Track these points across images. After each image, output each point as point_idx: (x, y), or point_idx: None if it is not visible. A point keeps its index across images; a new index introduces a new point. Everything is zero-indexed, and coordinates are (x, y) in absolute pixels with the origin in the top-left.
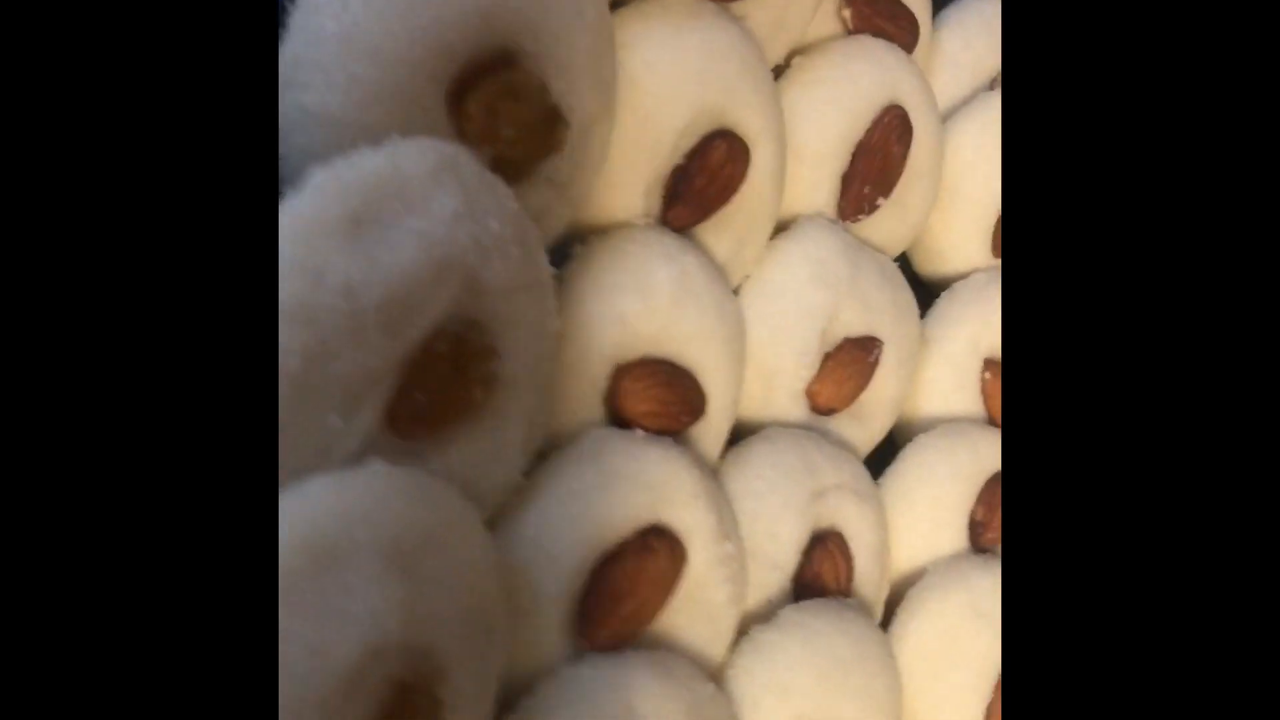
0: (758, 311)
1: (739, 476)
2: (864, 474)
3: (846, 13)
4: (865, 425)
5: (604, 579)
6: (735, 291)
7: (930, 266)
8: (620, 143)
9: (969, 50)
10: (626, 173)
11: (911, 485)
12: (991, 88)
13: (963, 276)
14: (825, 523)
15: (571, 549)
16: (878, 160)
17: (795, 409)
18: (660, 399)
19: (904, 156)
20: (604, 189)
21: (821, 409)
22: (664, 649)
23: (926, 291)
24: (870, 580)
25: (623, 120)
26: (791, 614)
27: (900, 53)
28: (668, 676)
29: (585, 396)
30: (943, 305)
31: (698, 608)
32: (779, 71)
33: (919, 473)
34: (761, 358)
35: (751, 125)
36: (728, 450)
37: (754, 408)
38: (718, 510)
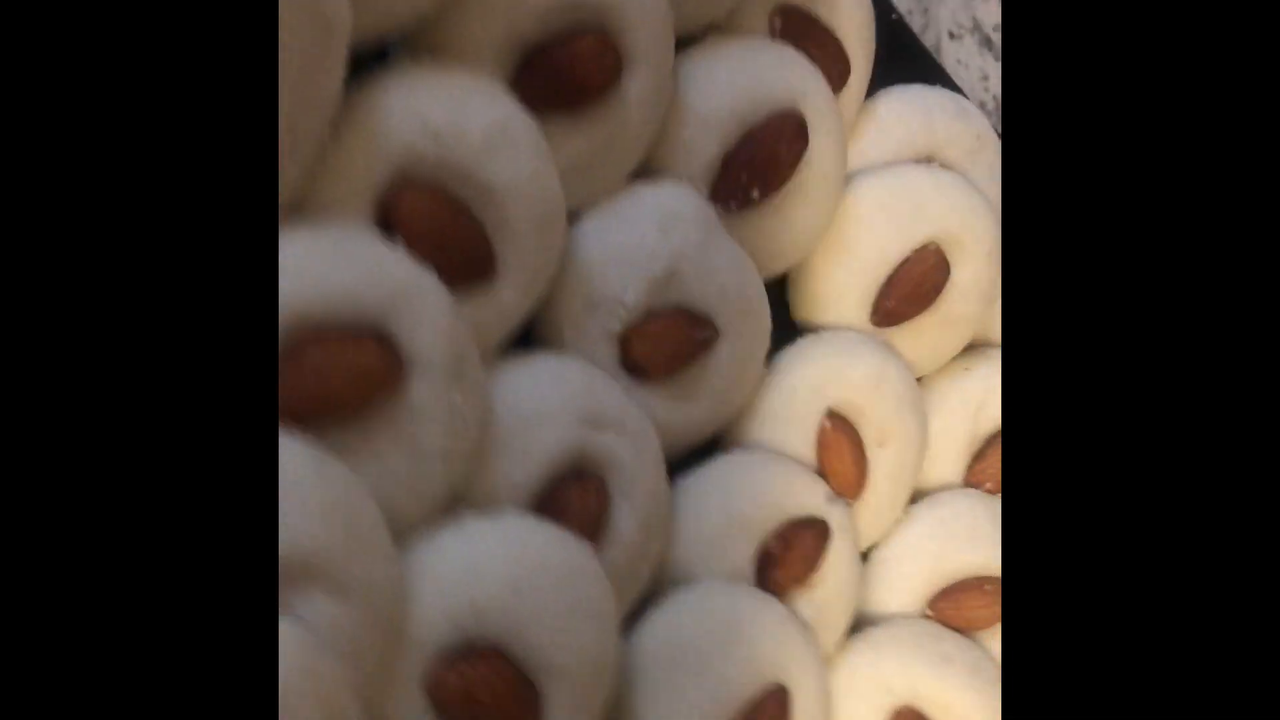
0: (599, 236)
1: (516, 369)
2: (653, 443)
3: (777, 21)
4: (683, 408)
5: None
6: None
7: (805, 312)
8: None
9: (902, 124)
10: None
11: (709, 493)
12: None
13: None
14: (593, 461)
15: None
16: (763, 153)
17: (603, 349)
18: (438, 229)
19: (792, 164)
20: None
21: (631, 365)
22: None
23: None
24: (627, 547)
25: None
26: (512, 516)
27: (817, 74)
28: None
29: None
30: (805, 343)
31: (404, 437)
32: (692, 40)
33: (720, 483)
34: (585, 281)
35: (634, 37)
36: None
37: (564, 331)
38: (457, 358)
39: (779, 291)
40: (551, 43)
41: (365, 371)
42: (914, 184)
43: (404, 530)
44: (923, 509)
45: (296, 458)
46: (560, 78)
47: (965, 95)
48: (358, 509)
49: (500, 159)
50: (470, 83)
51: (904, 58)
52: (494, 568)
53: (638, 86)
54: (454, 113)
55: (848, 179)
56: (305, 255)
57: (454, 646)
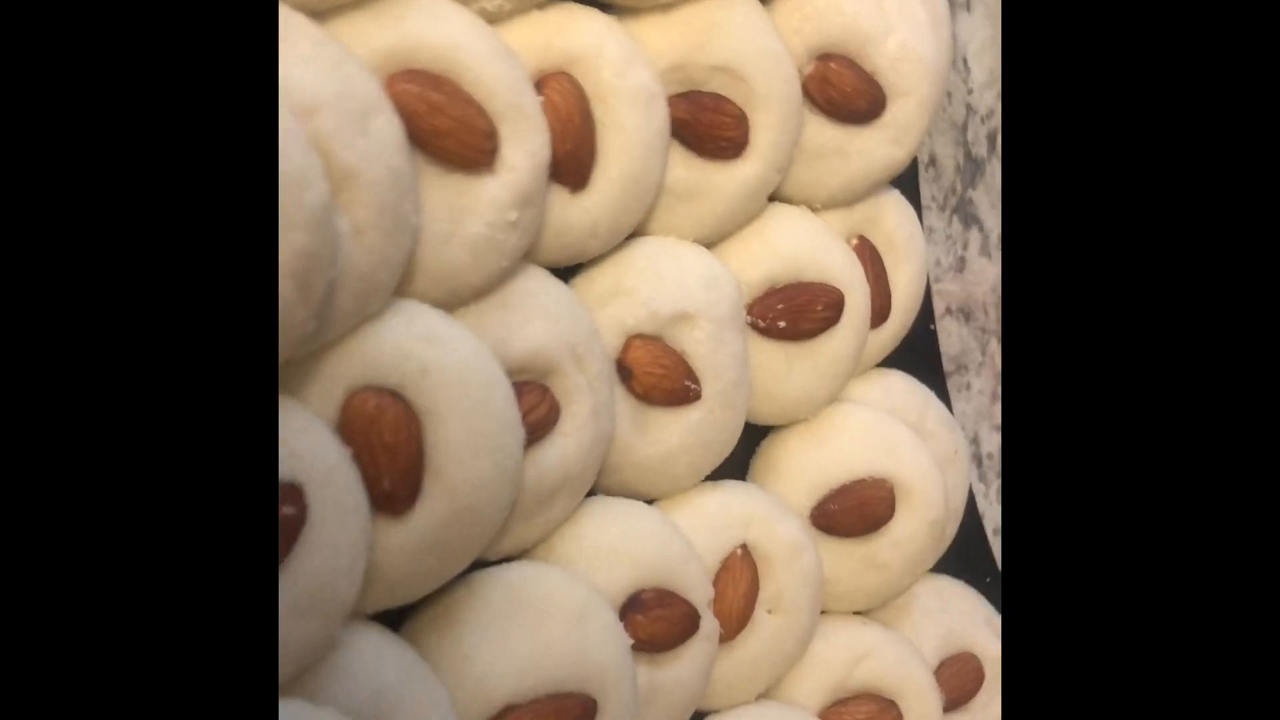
0: (665, 251)
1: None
2: (609, 424)
3: (854, 240)
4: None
5: None
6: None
7: (760, 476)
8: None
9: (903, 397)
10: None
11: (611, 516)
12: None
13: None
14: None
15: None
16: (802, 299)
17: (612, 339)
18: None
19: (819, 323)
20: None
21: (626, 372)
22: None
23: None
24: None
25: None
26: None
27: (867, 292)
28: None
29: None
30: (752, 486)
31: None
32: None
33: (632, 513)
34: (632, 279)
35: None
36: None
37: (595, 311)
38: None
39: (751, 443)
40: (709, 94)
41: (472, 129)
42: (899, 433)
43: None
44: (772, 708)
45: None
46: (703, 118)
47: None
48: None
49: (637, 109)
50: (644, 57)
51: (926, 363)
52: (452, 351)
53: (748, 172)
54: (626, 59)
55: (841, 401)
56: (480, 34)
57: (387, 386)
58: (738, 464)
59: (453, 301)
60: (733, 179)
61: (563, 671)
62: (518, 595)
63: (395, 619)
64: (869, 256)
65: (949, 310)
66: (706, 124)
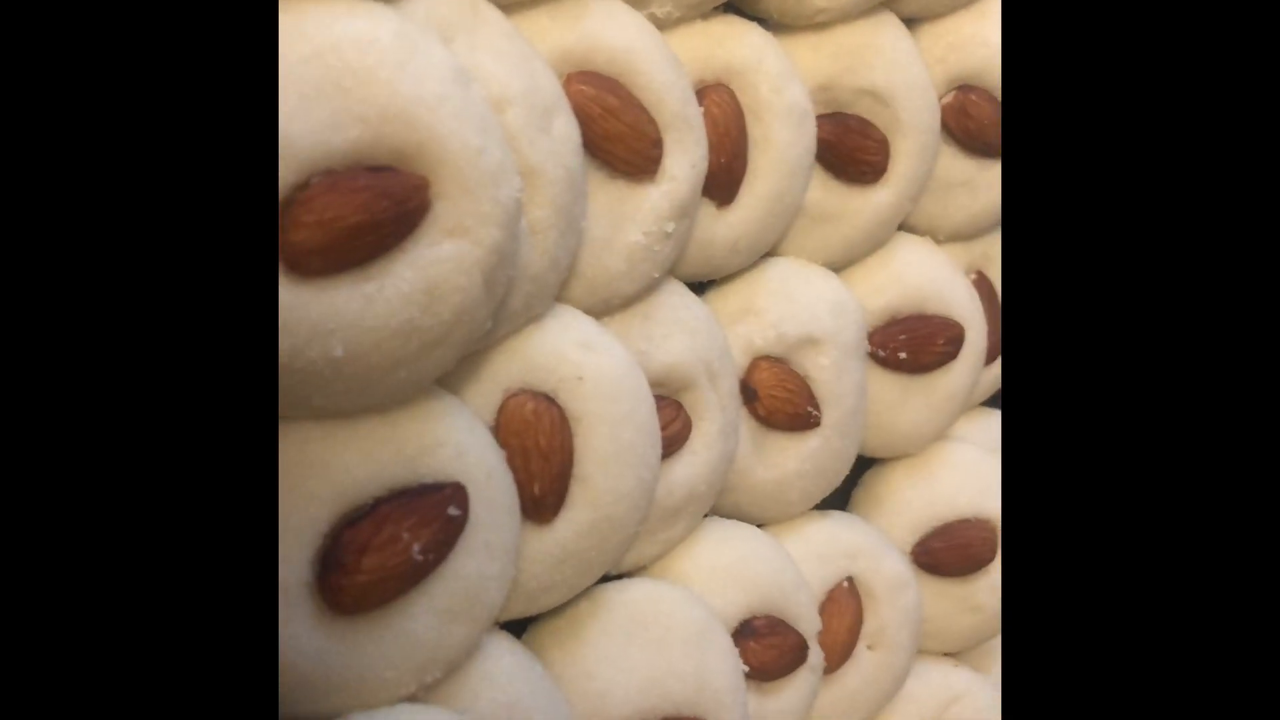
0: (796, 272)
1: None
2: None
3: (972, 275)
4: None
5: None
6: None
7: (864, 509)
8: None
9: None
10: None
11: (731, 539)
12: None
13: None
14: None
15: None
16: (923, 331)
17: (739, 356)
18: None
19: (940, 355)
20: None
21: (751, 393)
22: None
23: None
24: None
25: None
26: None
27: (985, 329)
28: None
29: None
30: (859, 517)
31: None
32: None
33: (754, 535)
34: (765, 298)
35: None
36: None
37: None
38: None
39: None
40: (855, 116)
41: (642, 135)
42: (999, 471)
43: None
44: None
45: None
46: (847, 140)
47: None
48: None
49: (788, 125)
50: (798, 75)
51: None
52: (607, 358)
53: (885, 198)
54: (783, 75)
55: (948, 438)
56: (656, 42)
57: (544, 391)
58: (839, 494)
59: (603, 309)
60: (869, 204)
61: (681, 694)
62: (640, 613)
63: (516, 629)
64: (986, 293)
65: None
66: (850, 147)
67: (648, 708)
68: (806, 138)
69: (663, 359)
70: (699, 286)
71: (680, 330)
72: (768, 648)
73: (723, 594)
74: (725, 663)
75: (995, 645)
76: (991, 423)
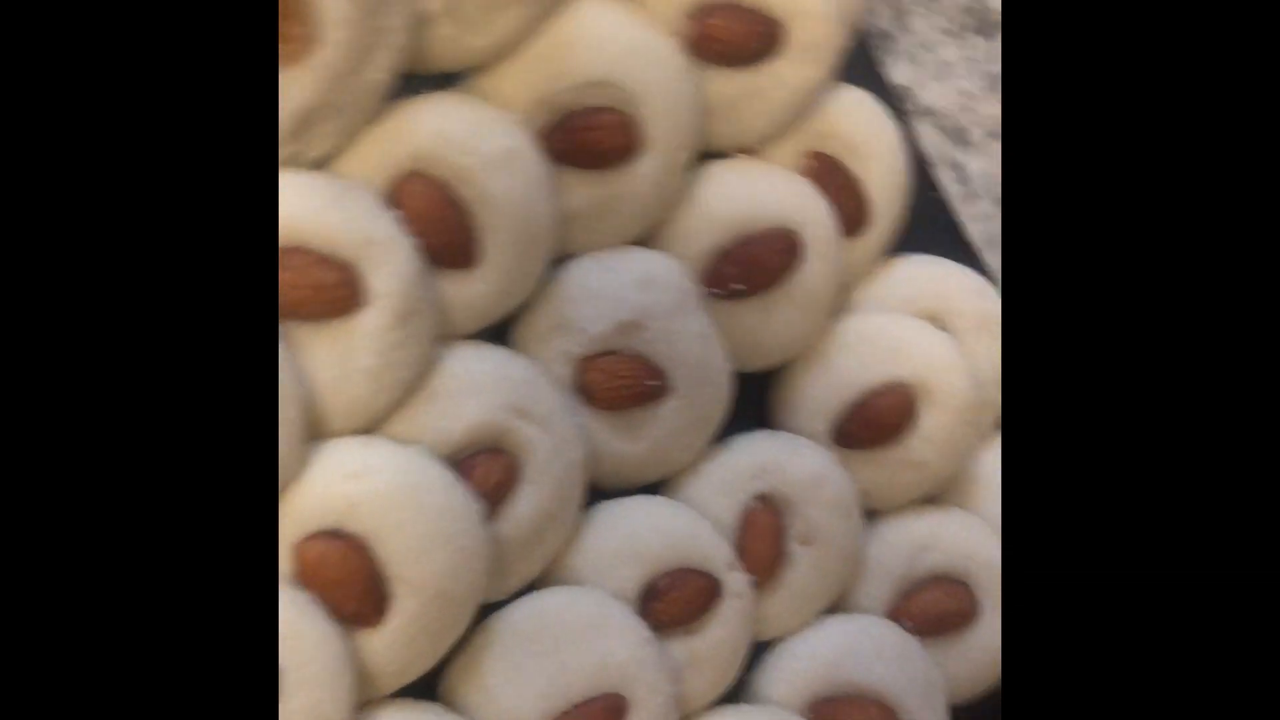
0: (581, 275)
1: (474, 347)
2: (580, 451)
3: (806, 161)
4: (621, 443)
5: None
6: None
7: (775, 417)
8: None
9: (913, 284)
10: None
11: (620, 514)
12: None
13: None
14: (509, 443)
15: None
16: (753, 255)
17: (562, 369)
18: (432, 213)
19: (777, 272)
20: None
21: (583, 387)
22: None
23: None
24: (522, 532)
25: None
26: (419, 457)
27: (827, 210)
28: None
29: None
30: (761, 434)
31: (342, 351)
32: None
33: (633, 509)
34: (559, 307)
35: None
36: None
37: (533, 346)
38: (410, 303)
39: (760, 389)
40: (579, 112)
41: (325, 288)
42: (901, 329)
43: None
44: (836, 620)
45: None
46: (579, 139)
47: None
48: None
49: (501, 176)
50: (495, 116)
51: (939, 233)
52: (377, 477)
53: (648, 167)
54: (472, 131)
55: (845, 314)
56: (311, 192)
57: (325, 529)
58: (752, 412)
59: (375, 423)
60: (635, 180)
61: (584, 682)
62: (528, 628)
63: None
64: (826, 170)
65: (992, 133)
66: (583, 144)
67: (554, 707)
68: (523, 172)
69: (460, 427)
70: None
71: (469, 393)
72: (673, 602)
73: (616, 575)
74: (624, 635)
75: (973, 475)
76: (897, 275)
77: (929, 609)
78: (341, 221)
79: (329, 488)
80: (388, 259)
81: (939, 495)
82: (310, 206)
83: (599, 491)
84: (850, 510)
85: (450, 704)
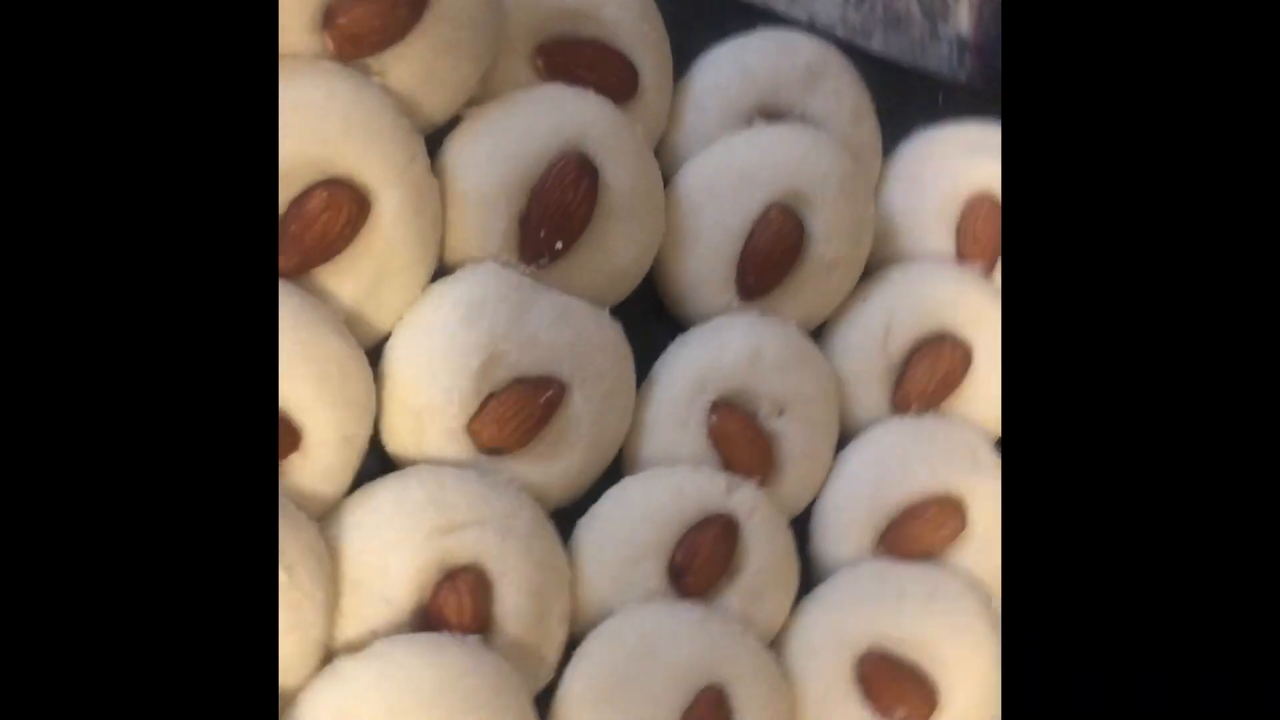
0: (406, 351)
1: (357, 510)
2: (526, 511)
3: (539, 62)
4: (553, 466)
5: None
6: (380, 336)
7: (677, 310)
8: None
9: (717, 93)
10: None
11: (605, 525)
12: (745, 125)
13: (708, 318)
14: (461, 559)
15: None
16: (552, 206)
17: (453, 447)
18: None
19: (585, 205)
20: None
21: (487, 447)
22: None
23: None
24: (520, 621)
25: None
26: (380, 645)
27: (593, 99)
28: None
29: None
30: (672, 348)
31: None
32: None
33: (613, 513)
34: (408, 395)
35: (369, 173)
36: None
37: (408, 444)
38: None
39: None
40: (285, 211)
41: None
42: (736, 155)
43: None
44: (851, 451)
45: None
46: (302, 240)
47: (793, 20)
48: None
49: None
50: None
51: (720, 11)
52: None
53: (390, 205)
54: None
55: (675, 168)
56: None
57: None
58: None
59: None
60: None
61: (676, 702)
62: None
63: None
64: (561, 62)
65: None
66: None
67: None
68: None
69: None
70: None
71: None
72: (699, 567)
73: (635, 577)
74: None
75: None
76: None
77: (922, 383)
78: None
79: None
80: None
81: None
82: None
83: (570, 513)
84: (803, 357)
85: None
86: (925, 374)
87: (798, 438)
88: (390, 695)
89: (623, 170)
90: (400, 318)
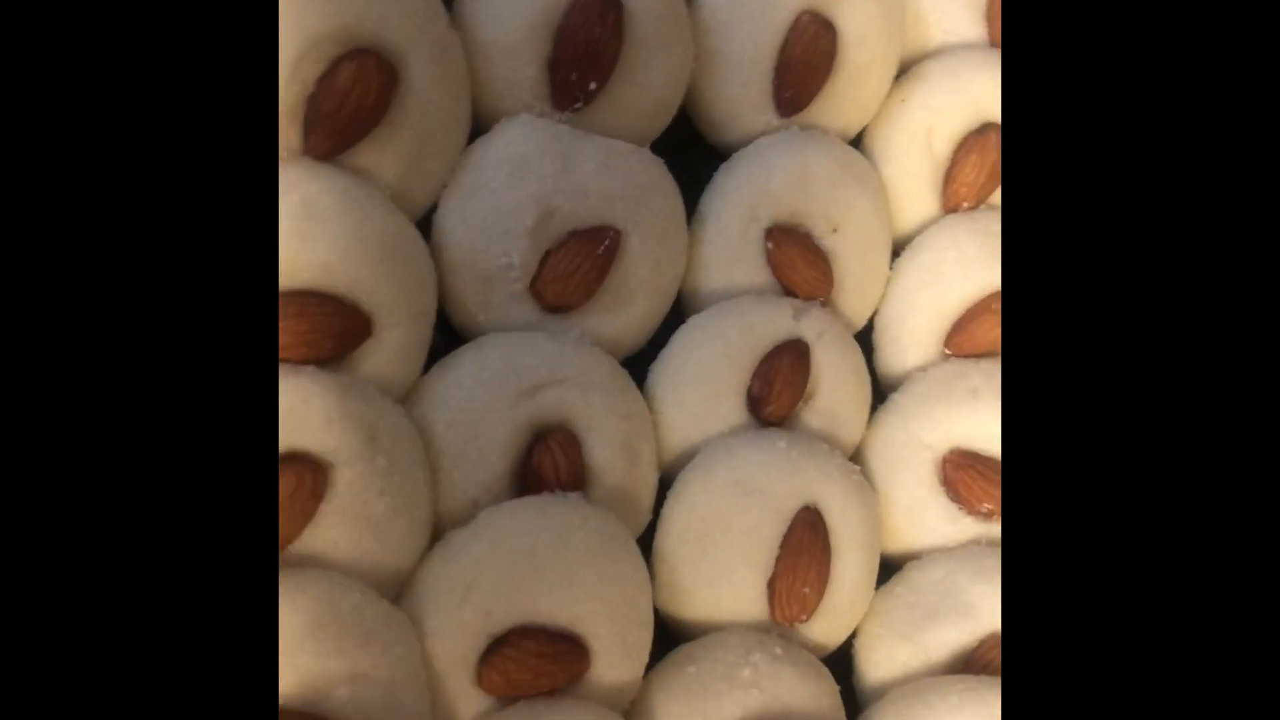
0: (457, 218)
1: (438, 385)
2: (602, 365)
3: None
4: (619, 315)
5: None
6: (430, 206)
7: (715, 138)
8: None
9: None
10: None
11: (679, 366)
12: None
13: (748, 141)
14: (549, 419)
15: None
16: (580, 45)
17: (519, 310)
18: (292, 329)
19: (614, 40)
20: None
21: (552, 306)
22: (311, 567)
23: None
24: (614, 472)
25: None
26: (487, 514)
27: None
28: (297, 590)
29: None
30: (718, 179)
31: (355, 521)
32: None
33: (685, 353)
34: (471, 262)
35: (393, 38)
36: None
37: (473, 313)
38: (366, 428)
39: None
40: (315, 90)
41: (290, 499)
42: None
43: None
44: (906, 259)
45: None
46: (338, 117)
47: None
48: None
49: (318, 237)
50: None
51: None
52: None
53: (420, 69)
54: None
55: None
56: None
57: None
58: None
59: None
60: None
61: (774, 528)
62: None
63: None
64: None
65: None
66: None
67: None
68: None
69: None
70: None
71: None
72: (778, 395)
73: (717, 416)
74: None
75: None
76: None
77: (971, 178)
78: None
79: (458, 608)
80: None
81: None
82: None
83: (639, 358)
84: (849, 169)
85: None
86: (973, 169)
87: (853, 252)
88: (506, 561)
89: None
90: (443, 184)
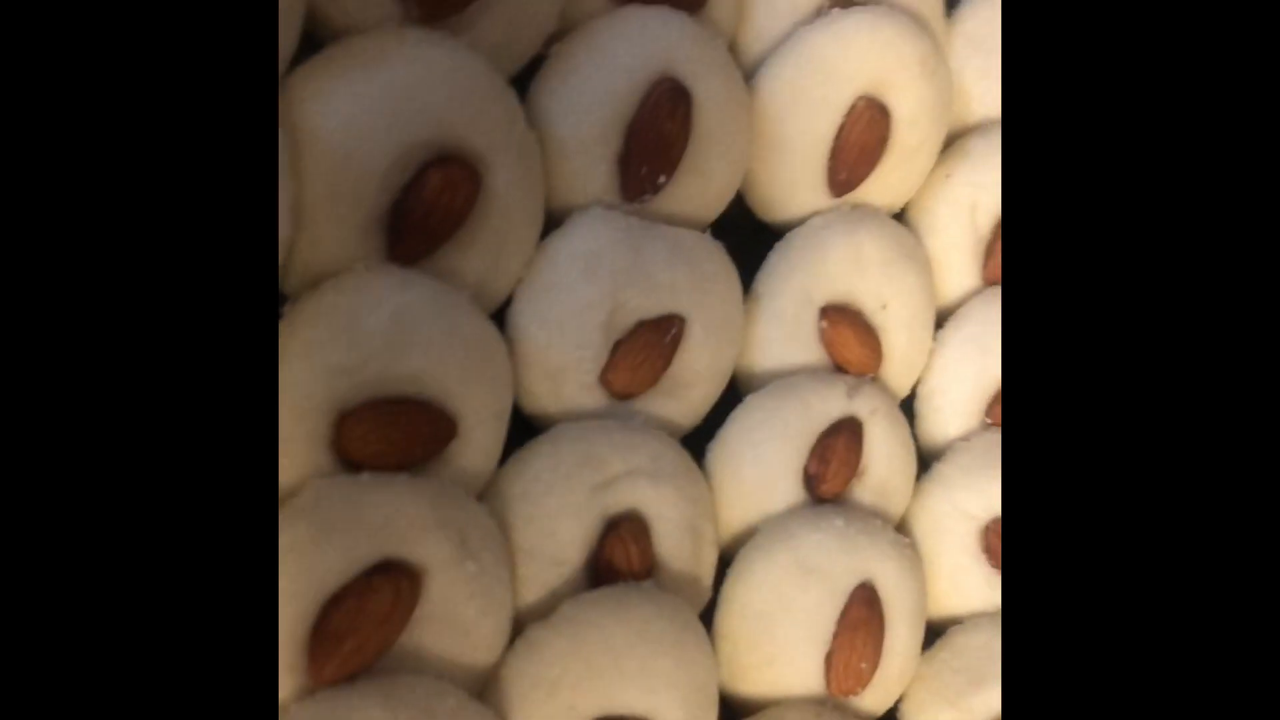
0: (532, 313)
1: (516, 481)
2: (666, 452)
3: None
4: (681, 399)
5: (324, 622)
6: (507, 301)
7: (767, 215)
8: (315, 197)
9: None
10: (328, 224)
11: (738, 447)
12: (817, 16)
13: (799, 220)
14: (620, 509)
15: (292, 600)
16: (652, 139)
17: (589, 399)
18: (386, 438)
19: (683, 129)
20: (308, 244)
21: (620, 394)
22: (406, 672)
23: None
24: (680, 555)
25: (313, 174)
26: (567, 608)
27: (673, 16)
28: (397, 700)
29: (308, 449)
30: (773, 259)
31: (446, 625)
32: (539, 62)
33: (744, 434)
34: (543, 358)
35: (478, 144)
36: (515, 452)
37: (545, 404)
38: (457, 533)
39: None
40: (403, 198)
41: (386, 611)
42: (816, 51)
43: None
44: (949, 331)
45: None
46: (427, 225)
47: None
48: None
49: (412, 345)
50: (348, 300)
51: None
52: None
53: (502, 171)
54: (350, 348)
55: (753, 74)
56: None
57: None
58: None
59: None
60: None
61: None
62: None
63: None
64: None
65: None
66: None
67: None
68: None
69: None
70: None
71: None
72: (833, 474)
73: (778, 494)
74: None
75: None
76: None
77: None
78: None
79: None
80: None
81: None
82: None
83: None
84: (898, 247)
85: None
86: None
87: (901, 326)
88: (587, 656)
89: (713, 88)
90: (518, 279)
